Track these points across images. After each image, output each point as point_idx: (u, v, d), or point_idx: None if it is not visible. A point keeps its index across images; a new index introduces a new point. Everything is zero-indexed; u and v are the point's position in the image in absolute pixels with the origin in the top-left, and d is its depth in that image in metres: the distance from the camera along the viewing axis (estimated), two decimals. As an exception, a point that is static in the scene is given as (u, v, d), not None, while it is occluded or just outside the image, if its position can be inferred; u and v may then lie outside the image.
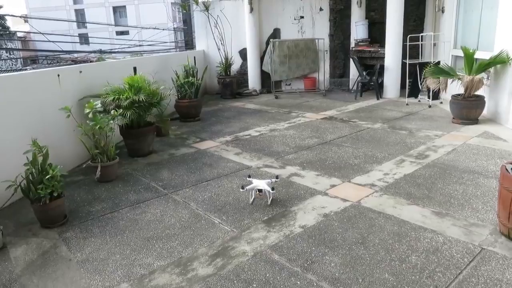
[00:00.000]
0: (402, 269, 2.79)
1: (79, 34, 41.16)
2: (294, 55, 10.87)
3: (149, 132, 5.78)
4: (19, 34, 37.46)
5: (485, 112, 6.75)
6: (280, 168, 5.02)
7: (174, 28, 32.18)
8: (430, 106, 8.08)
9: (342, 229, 3.39)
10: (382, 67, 9.31)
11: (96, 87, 5.68)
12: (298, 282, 2.70)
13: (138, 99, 5.35)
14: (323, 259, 2.96)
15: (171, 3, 40.49)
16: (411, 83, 8.67)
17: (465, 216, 3.50)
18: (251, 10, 10.66)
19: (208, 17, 10.79)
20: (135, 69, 6.95)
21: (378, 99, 9.25)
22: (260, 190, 3.86)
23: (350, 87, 10.77)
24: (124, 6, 42.94)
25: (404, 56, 8.74)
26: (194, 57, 9.95)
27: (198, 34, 11.73)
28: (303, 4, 10.97)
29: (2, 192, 3.61)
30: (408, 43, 8.37)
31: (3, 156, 4.10)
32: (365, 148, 5.63)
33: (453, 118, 6.75)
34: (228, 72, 10.83)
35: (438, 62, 7.89)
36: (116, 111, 5.12)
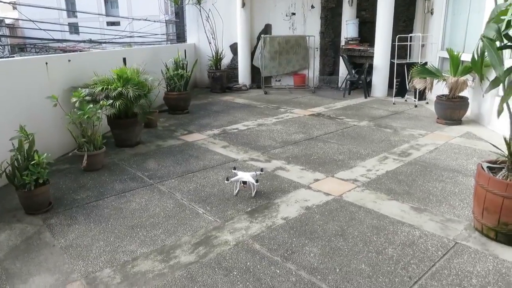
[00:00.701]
0: (379, 260, 2.89)
1: (69, 23, 40.65)
2: (285, 51, 10.94)
3: (137, 122, 5.79)
4: (7, 21, 36.79)
5: (468, 113, 6.91)
6: (266, 161, 5.09)
7: (165, 20, 31.95)
8: (416, 106, 8.23)
9: (323, 221, 3.47)
10: (371, 66, 9.44)
11: (85, 76, 5.67)
12: (278, 271, 2.78)
13: (127, 93, 5.35)
14: (303, 249, 3.04)
15: (164, -5, 40.16)
16: (399, 82, 8.81)
17: (442, 212, 3.62)
18: (243, 5, 10.68)
19: (200, 11, 10.78)
20: (124, 60, 6.95)
21: (366, 97, 9.37)
22: (244, 182, 3.93)
23: (339, 85, 10.89)
24: (116, -4, 42.42)
25: (392, 56, 8.88)
26: (185, 50, 9.96)
27: (189, 28, 11.71)
28: (295, 1, 11.02)
29: (-13, 178, 3.61)
30: (396, 43, 8.50)
31: (-11, 142, 4.09)
32: (350, 144, 5.73)
33: (438, 118, 6.90)
34: (219, 66, 10.85)
35: (425, 63, 8.02)
36: (105, 101, 5.14)
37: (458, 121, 6.67)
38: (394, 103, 8.57)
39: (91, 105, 4.83)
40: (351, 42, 10.47)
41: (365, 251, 3.01)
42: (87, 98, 5.08)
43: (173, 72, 7.94)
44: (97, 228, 3.43)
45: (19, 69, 4.80)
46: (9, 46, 28.50)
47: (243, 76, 11.23)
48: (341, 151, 5.45)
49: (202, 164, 5.03)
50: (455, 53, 6.65)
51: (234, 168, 4.30)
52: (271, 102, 9.15)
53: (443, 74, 6.95)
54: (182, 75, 7.97)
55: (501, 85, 2.95)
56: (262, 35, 10.77)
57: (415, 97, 8.38)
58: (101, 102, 5.05)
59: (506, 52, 5.42)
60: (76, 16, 41.03)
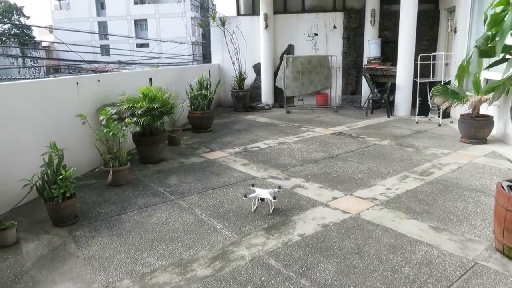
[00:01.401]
0: (394, 279, 2.87)
1: (100, 45, 42.44)
2: (307, 71, 11.07)
3: (161, 140, 5.98)
4: (43, 44, 38.84)
5: (494, 132, 6.77)
6: (285, 179, 5.14)
7: (192, 42, 32.89)
8: (440, 125, 8.12)
9: (339, 239, 3.48)
10: (393, 85, 9.41)
11: (113, 95, 5.94)
12: (292, 287, 2.80)
13: (152, 107, 5.57)
14: (318, 266, 3.06)
15: (191, 17, 41.51)
16: (421, 101, 8.73)
17: (462, 232, 3.56)
18: (266, 26, 10.95)
19: (224, 32, 11.11)
20: (150, 79, 7.23)
21: (388, 116, 9.32)
22: (262, 199, 3.99)
23: (362, 104, 10.88)
24: (145, 20, 44.10)
25: (415, 75, 8.83)
26: (209, 71, 10.24)
27: (214, 48, 12.05)
28: (318, 22, 11.21)
29: (19, 191, 3.82)
30: (419, 62, 8.47)
31: (21, 156, 4.34)
32: (371, 163, 5.71)
33: (462, 137, 6.79)
34: (242, 86, 11.07)
35: (449, 82, 7.95)
36: (130, 119, 5.36)
37: (483, 140, 6.54)
38: (417, 122, 8.49)
39: (116, 122, 5.04)
40: (374, 61, 10.50)
41: (381, 269, 3.00)
42: (114, 116, 5.32)
43: (197, 92, 8.18)
44: (119, 241, 3.56)
45: (52, 89, 5.10)
46: (44, 67, 29.99)
47: (266, 95, 11.40)
48: (361, 169, 5.44)
49: (222, 181, 5.13)
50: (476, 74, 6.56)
51: (253, 185, 4.38)
52: (293, 121, 9.24)
53: (466, 93, 6.87)
54: (205, 94, 8.19)
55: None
56: (284, 55, 10.96)
57: (438, 116, 8.28)
58: (126, 120, 5.27)
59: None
60: (107, 39, 42.81)
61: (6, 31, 44.11)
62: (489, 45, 2.78)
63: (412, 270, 2.97)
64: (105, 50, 41.02)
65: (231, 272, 3.00)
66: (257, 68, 11.61)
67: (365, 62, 10.88)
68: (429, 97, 8.32)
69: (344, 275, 2.93)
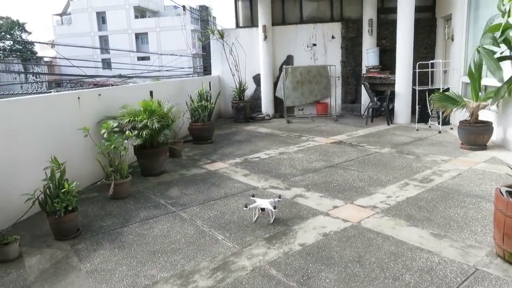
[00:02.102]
0: (395, 286, 2.88)
1: (102, 59, 42.85)
2: (307, 81, 11.16)
3: (161, 152, 6.02)
4: (45, 59, 39.23)
5: (494, 138, 6.79)
6: (285, 189, 5.16)
7: (192, 54, 33.17)
8: (440, 132, 8.14)
9: (340, 248, 3.49)
10: (392, 93, 9.46)
11: (114, 109, 6.00)
12: (293, 296, 2.81)
13: (152, 125, 5.61)
14: (319, 275, 3.07)
15: (191, 30, 41.92)
16: (421, 108, 8.77)
17: (463, 238, 3.56)
18: (265, 37, 11.06)
19: (223, 45, 11.23)
20: (151, 92, 7.30)
21: (388, 124, 9.35)
22: (262, 209, 4.01)
23: (362, 112, 10.92)
24: (146, 33, 44.57)
25: (414, 83, 8.89)
26: (210, 82, 10.33)
27: (213, 61, 12.17)
28: (316, 32, 11.33)
29: (21, 205, 3.86)
30: (417, 70, 8.54)
31: (24, 171, 4.39)
32: (371, 171, 5.73)
33: (461, 143, 6.81)
34: (242, 97, 11.15)
35: (447, 89, 8.00)
36: (131, 132, 5.41)
37: (482, 146, 6.56)
38: (417, 130, 8.52)
39: (116, 135, 5.09)
40: (372, 70, 10.58)
41: (382, 277, 3.00)
42: (116, 129, 5.37)
43: (197, 104, 8.24)
44: (121, 254, 3.57)
45: (54, 103, 5.17)
46: (47, 82, 30.24)
47: (266, 106, 11.47)
48: (361, 178, 5.46)
49: (223, 192, 5.15)
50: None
51: (253, 196, 4.40)
52: (293, 131, 9.28)
53: (465, 99, 6.91)
54: (206, 106, 8.25)
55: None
56: (284, 66, 11.06)
57: (438, 123, 8.31)
58: (126, 133, 5.32)
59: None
60: (109, 52, 43.24)
61: (8, 47, 44.61)
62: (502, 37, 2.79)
63: (413, 278, 2.97)
64: (107, 64, 41.39)
65: (232, 282, 3.01)
66: (257, 79, 11.71)
67: (363, 71, 10.96)
68: (428, 104, 8.37)
69: (345, 283, 2.94)
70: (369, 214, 4.20)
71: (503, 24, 2.71)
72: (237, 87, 11.11)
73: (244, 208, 4.14)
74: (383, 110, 9.68)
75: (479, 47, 2.92)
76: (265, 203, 4.03)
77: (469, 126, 6.62)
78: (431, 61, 8.96)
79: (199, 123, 8.24)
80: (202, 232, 3.95)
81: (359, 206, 4.47)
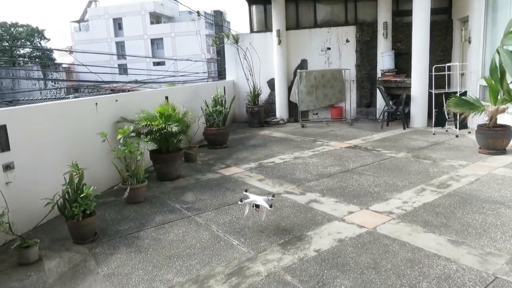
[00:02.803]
0: (412, 294, 2.84)
1: (118, 65, 43.54)
2: (321, 85, 11.12)
3: (177, 157, 6.09)
4: (64, 65, 40.09)
5: (513, 142, 6.65)
6: (300, 194, 5.15)
7: (207, 59, 33.43)
8: (457, 136, 8.01)
9: (356, 254, 3.47)
10: (408, 97, 9.36)
11: (130, 114, 6.10)
12: (308, 302, 2.80)
13: (169, 130, 5.68)
14: (334, 281, 3.05)
15: (206, 35, 42.28)
16: (437, 112, 8.65)
17: (481, 245, 3.50)
18: (279, 42, 11.09)
19: (238, 49, 11.30)
20: (167, 98, 7.39)
21: (404, 128, 9.25)
22: (257, 206, 4.01)
23: (377, 116, 10.83)
24: (161, 39, 45.13)
25: (430, 86, 8.78)
26: (224, 87, 10.39)
27: (228, 65, 12.24)
28: (330, 36, 11.30)
29: (41, 209, 3.94)
30: (433, 73, 8.44)
31: (44, 176, 4.49)
32: (387, 176, 5.67)
33: (480, 148, 6.69)
34: (256, 102, 11.18)
35: (465, 93, 7.88)
36: (146, 136, 5.49)
37: (502, 151, 6.43)
38: (434, 133, 8.40)
39: (133, 140, 5.18)
40: (388, 73, 10.49)
41: (398, 284, 2.97)
42: (132, 134, 5.46)
43: (212, 109, 8.31)
44: (137, 258, 3.62)
45: (72, 109, 5.29)
46: (65, 88, 30.88)
47: (281, 110, 11.48)
48: (377, 183, 5.41)
49: (238, 197, 5.16)
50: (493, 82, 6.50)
51: (246, 191, 4.45)
52: (308, 135, 9.26)
53: (483, 103, 6.79)
54: (220, 111, 8.31)
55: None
56: (298, 70, 11.06)
57: (455, 127, 8.18)
58: (141, 137, 5.40)
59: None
60: (125, 58, 43.91)
61: (27, 54, 45.72)
62: None
63: (430, 285, 2.93)
64: (123, 70, 42.03)
65: (247, 288, 3.02)
66: (271, 83, 11.73)
67: (379, 74, 10.87)
68: (445, 108, 8.25)
69: (361, 290, 2.92)
70: (385, 220, 4.16)
71: None
72: (252, 91, 11.16)
73: (239, 203, 4.18)
74: (399, 114, 9.58)
75: (500, 47, 2.86)
76: (260, 199, 4.03)
77: (487, 130, 6.51)
78: (447, 64, 8.84)
79: (214, 127, 8.30)
80: (217, 237, 3.98)
81: (374, 211, 4.43)
